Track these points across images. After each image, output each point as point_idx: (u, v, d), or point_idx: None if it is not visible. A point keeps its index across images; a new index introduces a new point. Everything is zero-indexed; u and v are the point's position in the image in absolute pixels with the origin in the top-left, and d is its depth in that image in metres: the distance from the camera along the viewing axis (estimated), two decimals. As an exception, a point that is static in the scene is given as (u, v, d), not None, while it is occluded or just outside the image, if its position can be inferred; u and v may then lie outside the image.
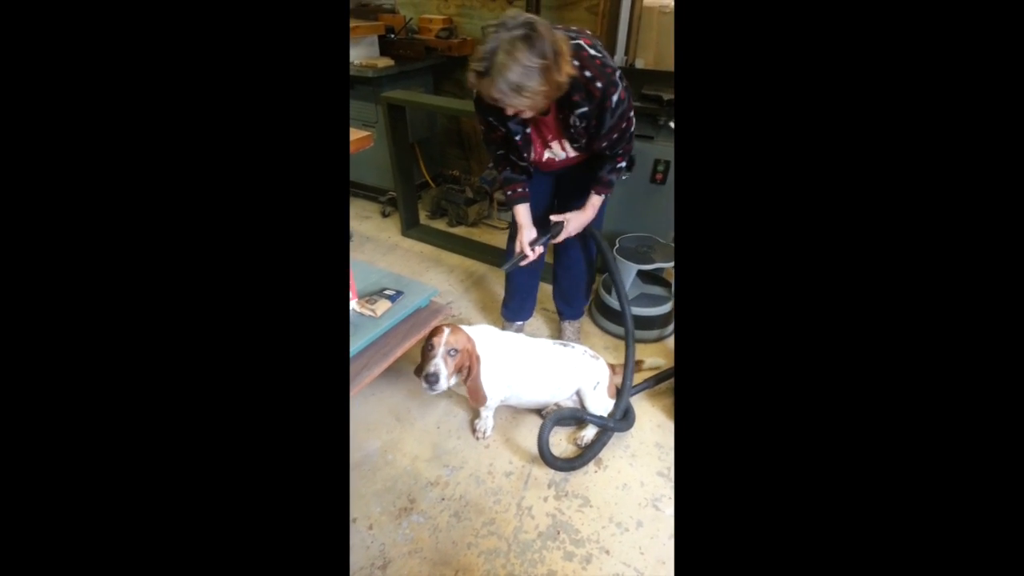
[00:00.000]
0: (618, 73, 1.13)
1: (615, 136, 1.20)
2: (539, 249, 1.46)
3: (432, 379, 1.18)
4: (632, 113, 1.22)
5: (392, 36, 2.85)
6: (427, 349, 1.25)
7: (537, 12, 2.54)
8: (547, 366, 1.45)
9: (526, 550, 1.23)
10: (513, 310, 1.85)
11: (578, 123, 1.13)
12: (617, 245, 1.86)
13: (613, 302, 1.87)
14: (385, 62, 2.65)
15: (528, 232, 1.44)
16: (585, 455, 1.41)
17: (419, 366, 1.29)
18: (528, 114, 1.08)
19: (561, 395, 1.49)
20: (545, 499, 1.35)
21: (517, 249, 1.43)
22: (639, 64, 2.49)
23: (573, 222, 1.40)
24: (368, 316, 1.09)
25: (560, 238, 1.43)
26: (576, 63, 1.04)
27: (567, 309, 1.83)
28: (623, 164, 1.34)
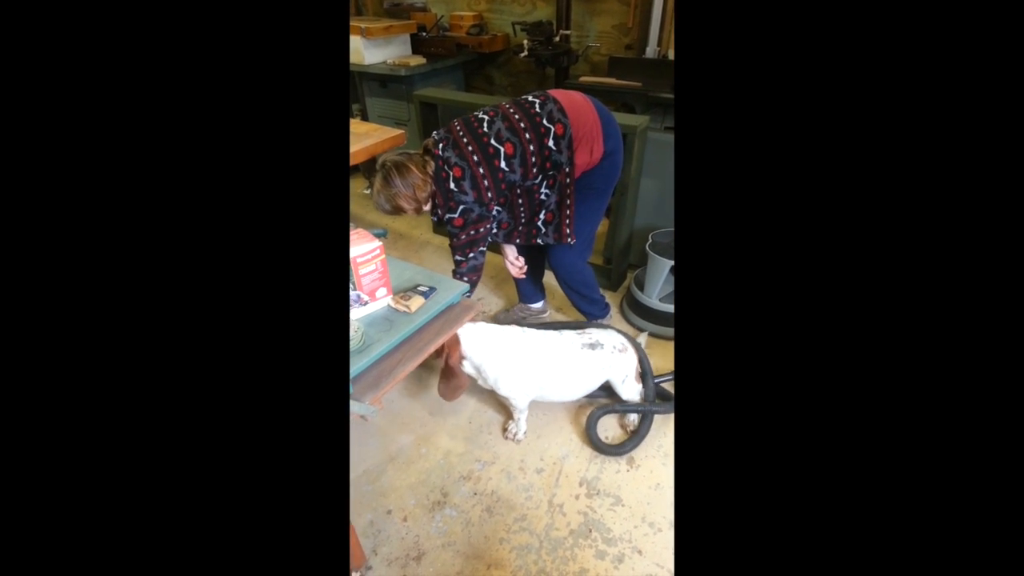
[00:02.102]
0: (464, 207, 1.43)
1: (453, 240, 1.53)
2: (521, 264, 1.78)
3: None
4: (459, 243, 1.51)
5: (424, 34, 2.88)
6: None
7: (567, 6, 2.52)
8: (574, 369, 1.46)
9: (558, 547, 1.23)
10: (525, 294, 1.98)
11: (435, 210, 1.52)
12: (650, 240, 1.83)
13: (644, 299, 1.85)
14: (417, 60, 2.68)
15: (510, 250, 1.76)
16: (633, 439, 1.46)
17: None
18: (424, 208, 1.51)
19: (590, 391, 1.52)
20: (576, 497, 1.35)
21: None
22: (672, 56, 2.44)
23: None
24: (403, 312, 1.11)
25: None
26: (432, 187, 1.44)
27: (585, 314, 1.86)
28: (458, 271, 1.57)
